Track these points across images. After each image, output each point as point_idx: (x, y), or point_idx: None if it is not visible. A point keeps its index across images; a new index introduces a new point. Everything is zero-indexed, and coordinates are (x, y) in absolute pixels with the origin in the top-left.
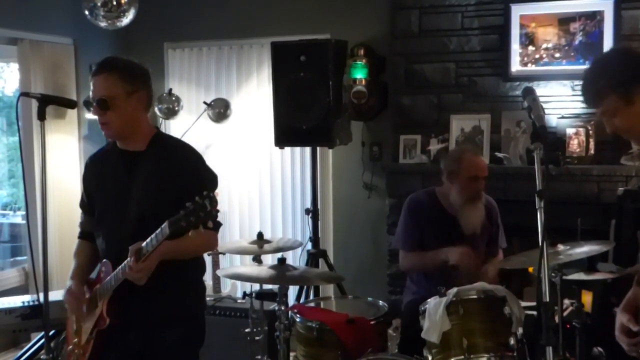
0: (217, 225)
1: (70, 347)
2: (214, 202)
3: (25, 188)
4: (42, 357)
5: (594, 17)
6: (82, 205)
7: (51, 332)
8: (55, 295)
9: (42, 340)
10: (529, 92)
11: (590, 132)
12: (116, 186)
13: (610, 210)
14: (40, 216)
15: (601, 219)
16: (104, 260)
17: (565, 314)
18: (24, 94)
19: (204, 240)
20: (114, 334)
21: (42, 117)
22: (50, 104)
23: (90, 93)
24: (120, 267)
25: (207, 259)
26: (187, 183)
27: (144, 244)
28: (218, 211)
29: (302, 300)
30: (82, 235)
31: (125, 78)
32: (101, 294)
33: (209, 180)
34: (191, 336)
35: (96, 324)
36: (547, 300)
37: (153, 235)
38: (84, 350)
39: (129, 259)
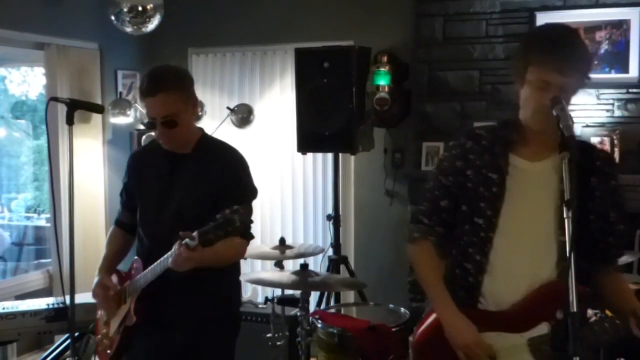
0: (249, 235)
1: (99, 336)
2: (243, 216)
3: (53, 191)
4: (67, 359)
5: (620, 26)
6: (121, 198)
7: (75, 334)
8: (80, 297)
9: (67, 342)
10: (557, 102)
11: (615, 141)
12: (158, 186)
13: (636, 219)
14: (67, 219)
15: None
16: (136, 257)
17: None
18: (54, 99)
19: (237, 250)
20: (159, 334)
21: (70, 121)
22: (78, 108)
23: (145, 111)
24: (151, 267)
25: None
26: (226, 190)
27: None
28: (252, 222)
29: (322, 306)
30: (117, 222)
31: (181, 91)
32: (130, 292)
33: (248, 190)
34: (231, 331)
35: (124, 320)
36: (575, 310)
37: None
38: (111, 342)
39: (174, 247)
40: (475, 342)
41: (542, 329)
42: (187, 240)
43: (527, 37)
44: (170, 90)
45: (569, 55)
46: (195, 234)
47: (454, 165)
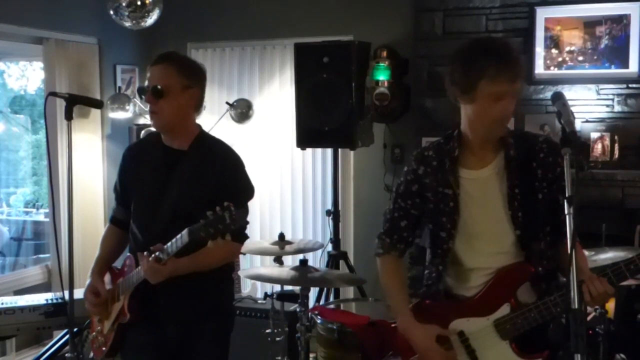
0: (242, 237)
1: (94, 333)
2: (233, 215)
3: (52, 186)
4: (66, 355)
5: (620, 21)
6: (115, 193)
7: (74, 330)
8: (79, 293)
9: (65, 338)
10: (559, 97)
11: (615, 136)
12: (154, 181)
13: (635, 215)
14: (66, 214)
15: (626, 225)
16: (129, 254)
17: (588, 319)
18: (52, 94)
19: (225, 252)
20: (153, 329)
21: (69, 116)
22: (77, 103)
23: (146, 82)
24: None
25: None
26: (222, 189)
27: (166, 246)
28: (247, 223)
29: (322, 302)
30: (112, 220)
31: (183, 71)
32: (123, 289)
33: (244, 190)
34: (225, 326)
35: (117, 317)
36: (576, 306)
37: (173, 241)
38: (106, 339)
39: (147, 256)
40: (428, 348)
41: (505, 309)
42: (157, 253)
43: (470, 56)
44: (171, 64)
45: (515, 64)
46: (183, 233)
47: (410, 189)
